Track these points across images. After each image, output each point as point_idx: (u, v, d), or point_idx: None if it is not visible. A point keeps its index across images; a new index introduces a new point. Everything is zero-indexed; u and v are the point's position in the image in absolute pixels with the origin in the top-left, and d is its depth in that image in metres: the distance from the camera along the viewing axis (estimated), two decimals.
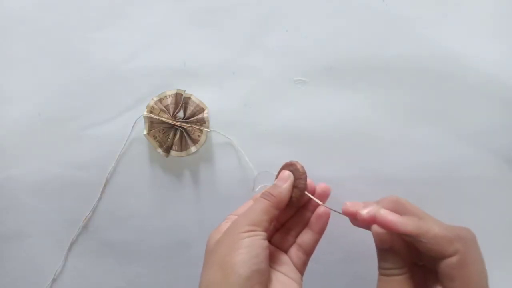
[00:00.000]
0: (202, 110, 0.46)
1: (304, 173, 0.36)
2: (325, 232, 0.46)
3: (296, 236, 0.37)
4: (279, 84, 0.46)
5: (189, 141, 0.46)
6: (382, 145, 0.46)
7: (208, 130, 0.46)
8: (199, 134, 0.45)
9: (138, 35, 0.47)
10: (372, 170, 0.46)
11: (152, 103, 0.46)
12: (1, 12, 0.47)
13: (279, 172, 0.38)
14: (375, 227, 0.30)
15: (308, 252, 0.37)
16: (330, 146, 0.46)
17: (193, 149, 0.46)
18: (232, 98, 0.47)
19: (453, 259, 0.27)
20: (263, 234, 0.32)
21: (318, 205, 0.37)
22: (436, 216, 0.33)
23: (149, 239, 0.48)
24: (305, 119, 0.46)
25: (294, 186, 0.36)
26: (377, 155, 0.46)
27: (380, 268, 0.31)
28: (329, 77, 0.46)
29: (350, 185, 0.46)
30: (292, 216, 0.38)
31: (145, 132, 0.46)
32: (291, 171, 0.37)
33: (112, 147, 0.47)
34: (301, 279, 0.35)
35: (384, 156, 0.46)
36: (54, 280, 0.49)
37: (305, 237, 0.37)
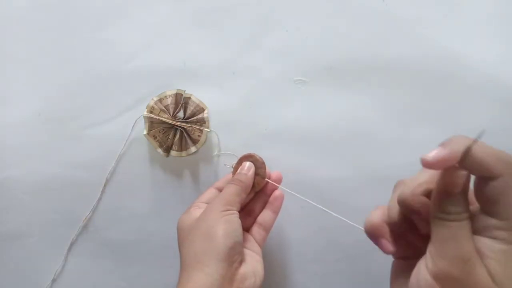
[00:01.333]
0: (202, 110, 0.46)
1: (263, 162, 0.42)
2: (324, 232, 0.46)
3: (256, 217, 0.42)
4: (279, 84, 0.46)
5: (189, 141, 0.46)
6: (382, 145, 0.46)
7: (208, 130, 0.46)
8: (199, 134, 0.45)
9: (138, 35, 0.47)
10: (372, 170, 0.46)
11: (152, 103, 0.46)
12: (1, 12, 0.47)
13: (238, 163, 0.43)
14: (448, 169, 0.26)
15: (267, 229, 0.42)
16: (330, 146, 0.46)
17: (193, 149, 0.46)
18: (232, 98, 0.47)
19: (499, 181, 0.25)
20: (237, 213, 0.38)
21: (274, 189, 0.42)
22: None
23: (149, 239, 0.48)
24: (305, 119, 0.46)
25: (256, 174, 0.42)
26: (377, 155, 0.46)
27: (446, 213, 0.26)
28: (329, 77, 0.46)
29: (350, 185, 0.46)
30: (250, 200, 0.43)
31: (145, 132, 0.46)
32: (251, 161, 0.42)
33: (112, 147, 0.47)
34: (261, 252, 0.41)
35: (384, 156, 0.46)
36: (54, 280, 0.49)
37: (264, 216, 0.42)
